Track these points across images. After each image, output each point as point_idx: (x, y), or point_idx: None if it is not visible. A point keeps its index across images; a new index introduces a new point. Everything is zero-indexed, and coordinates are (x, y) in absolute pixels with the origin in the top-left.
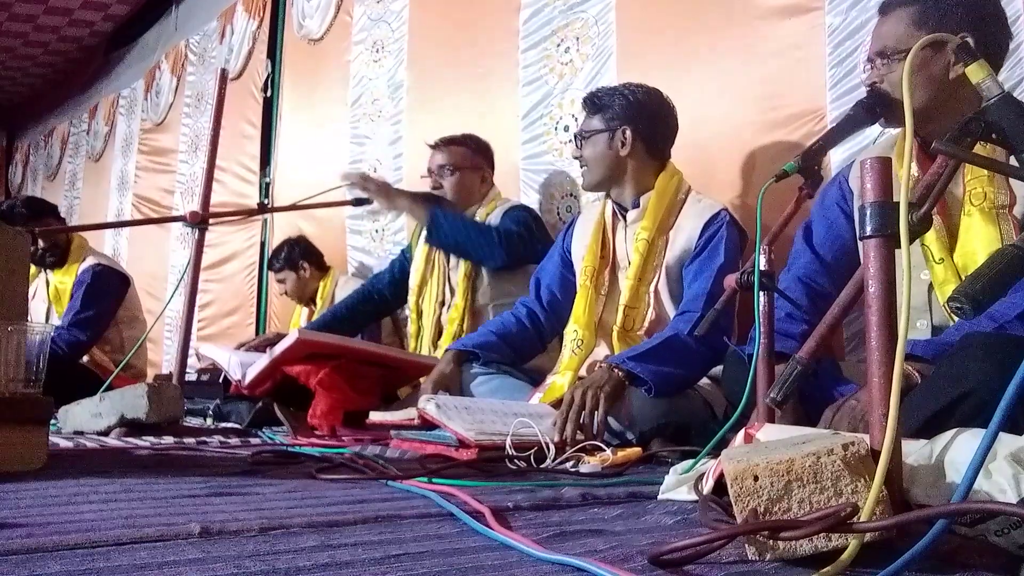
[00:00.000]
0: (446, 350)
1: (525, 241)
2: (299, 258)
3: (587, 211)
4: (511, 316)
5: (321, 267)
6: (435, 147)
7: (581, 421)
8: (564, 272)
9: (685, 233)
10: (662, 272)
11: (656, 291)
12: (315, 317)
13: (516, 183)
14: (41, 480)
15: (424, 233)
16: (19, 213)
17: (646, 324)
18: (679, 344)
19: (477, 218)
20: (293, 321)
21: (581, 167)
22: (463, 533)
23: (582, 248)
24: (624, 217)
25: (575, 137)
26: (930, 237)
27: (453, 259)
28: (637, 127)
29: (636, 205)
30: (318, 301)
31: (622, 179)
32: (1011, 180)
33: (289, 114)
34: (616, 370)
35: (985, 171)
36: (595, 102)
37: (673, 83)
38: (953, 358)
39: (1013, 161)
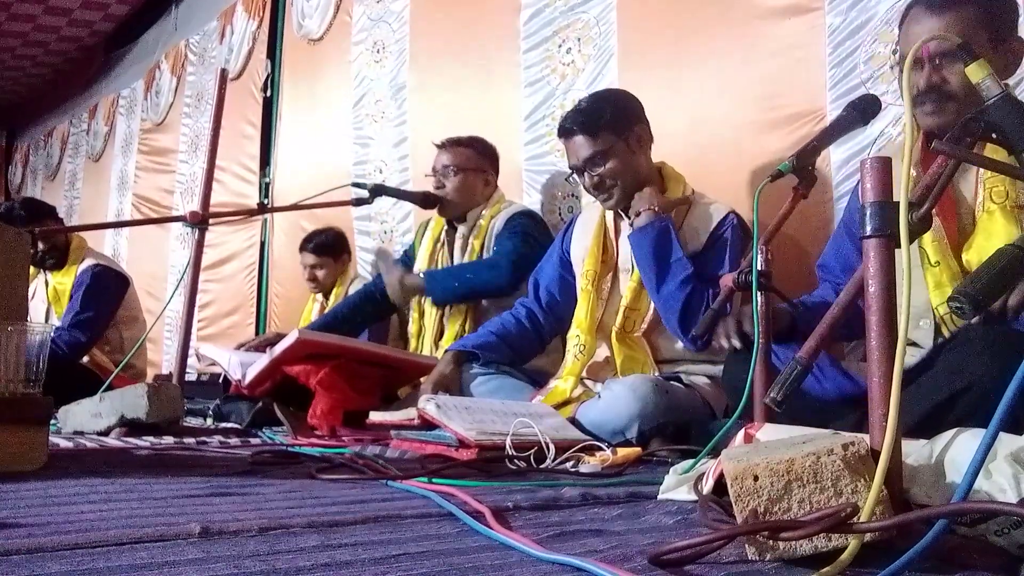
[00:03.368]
0: (446, 350)
1: (526, 256)
2: (342, 250)
3: (587, 212)
4: (510, 316)
5: (347, 264)
6: (441, 147)
7: None
8: (563, 273)
9: (695, 235)
10: None
11: None
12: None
13: (519, 184)
14: (41, 480)
15: (425, 234)
16: (18, 215)
17: (644, 325)
18: None
19: (480, 222)
20: (305, 314)
21: (604, 192)
22: (463, 533)
23: (582, 251)
24: (630, 219)
25: (584, 165)
26: (926, 239)
27: (457, 259)
28: (641, 124)
29: None
30: (331, 297)
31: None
32: None
33: (289, 114)
34: None
35: None
36: (591, 123)
37: (674, 83)
38: (953, 352)
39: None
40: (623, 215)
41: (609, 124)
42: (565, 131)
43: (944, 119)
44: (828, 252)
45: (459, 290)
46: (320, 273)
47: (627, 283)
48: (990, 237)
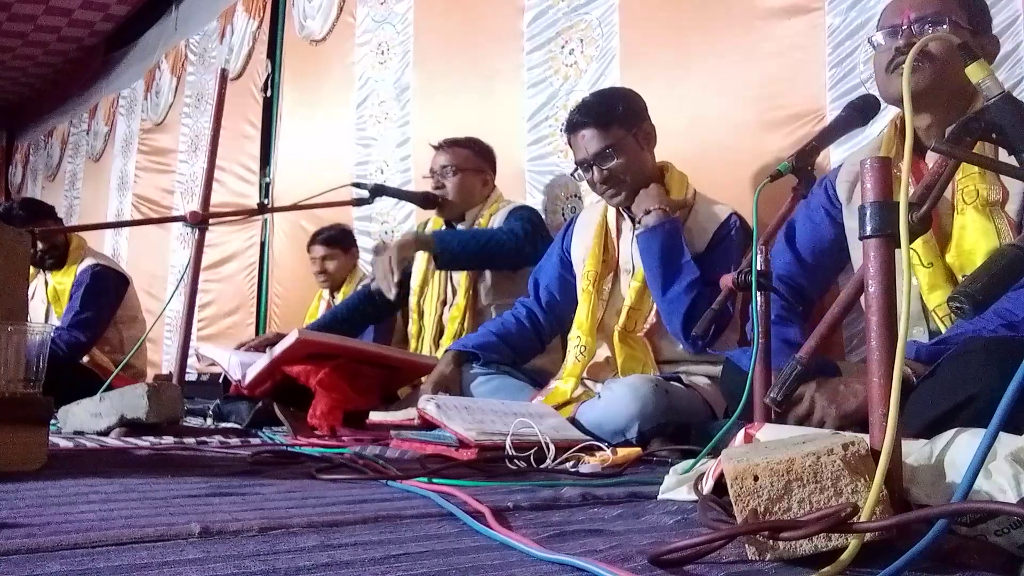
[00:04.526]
0: (446, 350)
1: (532, 238)
2: (352, 244)
3: (587, 212)
4: (511, 316)
5: (356, 259)
6: (438, 148)
7: None
8: (563, 273)
9: (698, 237)
10: None
11: None
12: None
13: (521, 184)
14: (41, 480)
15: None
16: (17, 215)
17: (647, 325)
18: None
19: (480, 221)
20: (310, 312)
21: (612, 187)
22: (463, 533)
23: (583, 251)
24: (632, 219)
25: (594, 160)
26: (917, 242)
27: None
28: (648, 121)
29: None
30: (338, 295)
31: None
32: (1002, 176)
33: (289, 114)
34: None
35: (976, 168)
36: (602, 116)
37: (675, 83)
38: (956, 361)
39: (1013, 160)
40: (625, 215)
41: (620, 118)
42: (574, 125)
43: (921, 79)
44: (801, 235)
45: (472, 249)
46: (331, 265)
47: (629, 283)
48: (966, 237)
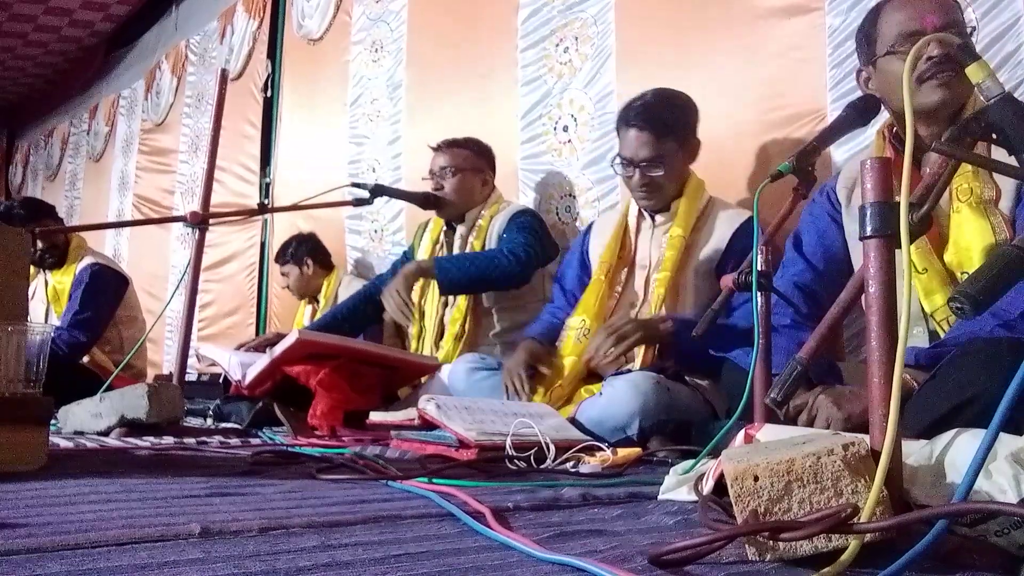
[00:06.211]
0: (523, 338)
1: (536, 251)
2: (304, 254)
3: (606, 215)
4: (550, 318)
5: (326, 265)
6: (437, 149)
7: (613, 345)
8: (582, 276)
9: (716, 237)
10: (691, 272)
11: (679, 289)
12: (318, 315)
13: (515, 183)
14: (41, 480)
15: (424, 235)
16: (17, 214)
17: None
18: (731, 331)
19: (480, 222)
20: (297, 319)
21: (648, 192)
22: (463, 533)
23: (600, 248)
24: (653, 219)
25: (640, 164)
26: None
27: None
28: (696, 134)
29: (666, 208)
30: (321, 300)
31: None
32: (995, 174)
33: (289, 114)
34: (667, 322)
35: (969, 166)
36: (662, 126)
37: (673, 83)
38: (955, 364)
39: (1013, 160)
40: (646, 214)
41: (677, 130)
42: (630, 123)
43: (952, 92)
44: (809, 243)
45: (472, 275)
46: (289, 280)
47: (657, 275)
48: (963, 235)
